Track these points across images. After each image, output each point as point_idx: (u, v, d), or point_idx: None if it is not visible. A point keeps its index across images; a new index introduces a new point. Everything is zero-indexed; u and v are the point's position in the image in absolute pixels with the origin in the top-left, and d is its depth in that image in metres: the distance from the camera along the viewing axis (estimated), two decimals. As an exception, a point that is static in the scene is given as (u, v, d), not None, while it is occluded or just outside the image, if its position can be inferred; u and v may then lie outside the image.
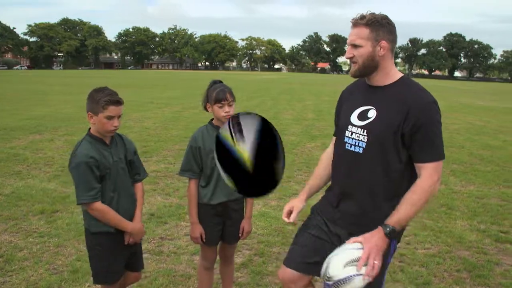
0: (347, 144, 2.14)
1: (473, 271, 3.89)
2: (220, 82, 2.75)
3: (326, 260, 2.00)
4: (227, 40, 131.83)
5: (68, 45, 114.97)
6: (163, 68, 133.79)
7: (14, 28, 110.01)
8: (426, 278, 3.71)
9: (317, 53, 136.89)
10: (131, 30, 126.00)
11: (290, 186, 6.35)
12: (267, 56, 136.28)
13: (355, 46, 2.04)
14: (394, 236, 1.98)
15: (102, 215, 2.43)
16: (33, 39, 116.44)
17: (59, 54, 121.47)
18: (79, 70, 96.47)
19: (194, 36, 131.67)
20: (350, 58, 2.07)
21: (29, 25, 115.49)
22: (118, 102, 2.41)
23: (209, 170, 2.71)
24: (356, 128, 2.10)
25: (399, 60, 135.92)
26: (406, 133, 1.98)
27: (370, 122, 2.06)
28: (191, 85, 35.69)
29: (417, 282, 3.65)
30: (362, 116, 2.10)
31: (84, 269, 3.61)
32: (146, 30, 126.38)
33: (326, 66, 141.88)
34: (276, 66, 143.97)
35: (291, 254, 2.32)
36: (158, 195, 5.74)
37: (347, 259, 1.92)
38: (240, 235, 2.88)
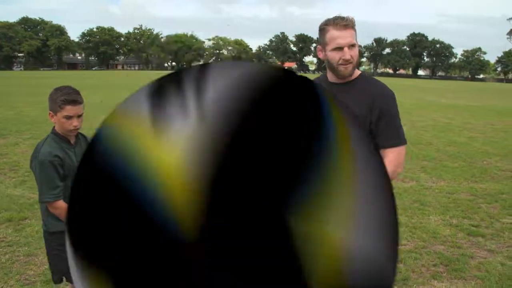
0: None
1: (449, 265, 3.97)
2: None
3: None
4: (194, 40, 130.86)
5: (29, 45, 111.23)
6: (128, 68, 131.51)
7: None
8: (405, 274, 3.76)
9: (284, 52, 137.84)
10: (95, 29, 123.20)
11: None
12: (234, 56, 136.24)
13: (353, 46, 2.12)
14: None
15: (64, 213, 2.37)
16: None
17: (19, 55, 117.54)
18: (41, 71, 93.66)
19: (160, 36, 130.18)
20: (348, 60, 2.12)
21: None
22: (75, 102, 2.34)
23: None
24: None
25: (364, 59, 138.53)
26: (373, 123, 2.10)
27: None
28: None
29: (396, 278, 3.68)
30: None
31: (57, 278, 3.47)
32: (111, 29, 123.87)
33: (293, 65, 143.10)
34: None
35: None
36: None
37: None
38: None
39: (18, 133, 10.40)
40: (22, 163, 7.36)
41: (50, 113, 2.39)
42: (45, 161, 2.30)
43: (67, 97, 2.31)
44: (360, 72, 2.24)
